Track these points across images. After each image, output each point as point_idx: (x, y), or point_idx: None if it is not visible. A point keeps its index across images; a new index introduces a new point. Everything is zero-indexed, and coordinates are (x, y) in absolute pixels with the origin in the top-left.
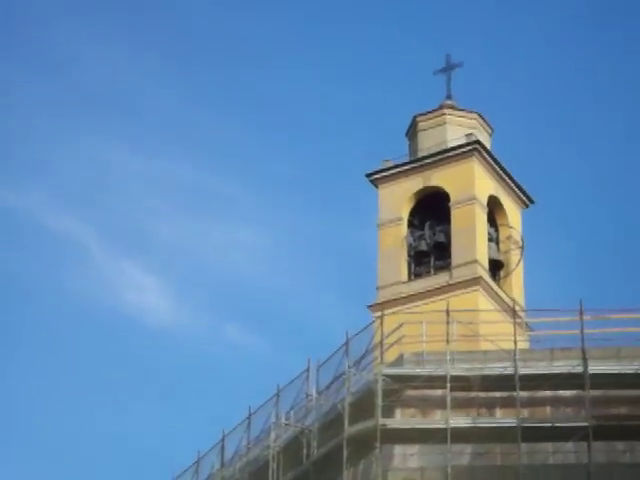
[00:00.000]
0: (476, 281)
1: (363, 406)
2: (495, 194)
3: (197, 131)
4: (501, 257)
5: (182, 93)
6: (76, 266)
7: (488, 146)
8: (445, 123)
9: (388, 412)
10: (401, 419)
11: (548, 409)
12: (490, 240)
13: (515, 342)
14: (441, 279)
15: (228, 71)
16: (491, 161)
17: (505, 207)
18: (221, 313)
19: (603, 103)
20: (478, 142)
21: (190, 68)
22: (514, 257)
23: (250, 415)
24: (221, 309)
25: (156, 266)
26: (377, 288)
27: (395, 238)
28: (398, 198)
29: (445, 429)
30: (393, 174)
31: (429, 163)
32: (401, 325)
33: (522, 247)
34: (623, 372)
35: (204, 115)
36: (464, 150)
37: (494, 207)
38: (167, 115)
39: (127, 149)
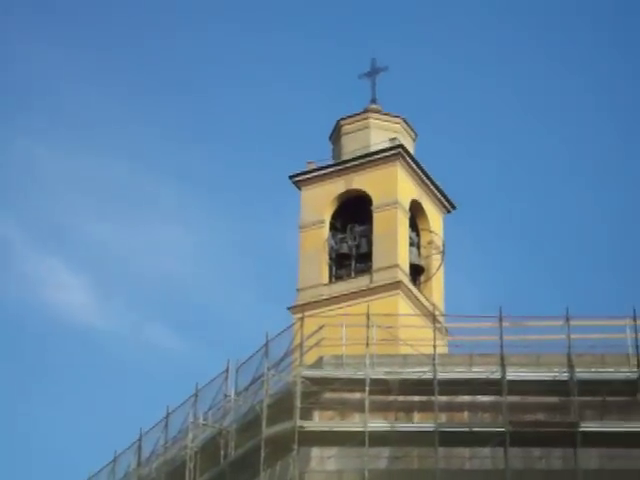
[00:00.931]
0: (396, 285)
1: (281, 408)
2: (417, 199)
3: (120, 129)
4: (422, 262)
5: (105, 91)
6: None
7: (412, 151)
8: (369, 127)
9: (306, 414)
10: (319, 421)
11: (466, 414)
12: (411, 245)
13: (434, 347)
14: (362, 282)
15: (153, 68)
16: (414, 166)
17: (427, 212)
18: (143, 313)
19: (526, 107)
20: (402, 146)
21: (113, 65)
22: (435, 262)
23: (168, 415)
24: (143, 309)
25: (79, 264)
26: (298, 290)
27: (317, 240)
28: (320, 201)
29: (363, 432)
30: (316, 176)
31: (352, 166)
32: (321, 327)
33: (443, 252)
34: (541, 379)
35: (127, 114)
36: (387, 154)
37: (416, 212)
38: (91, 113)
39: (50, 146)
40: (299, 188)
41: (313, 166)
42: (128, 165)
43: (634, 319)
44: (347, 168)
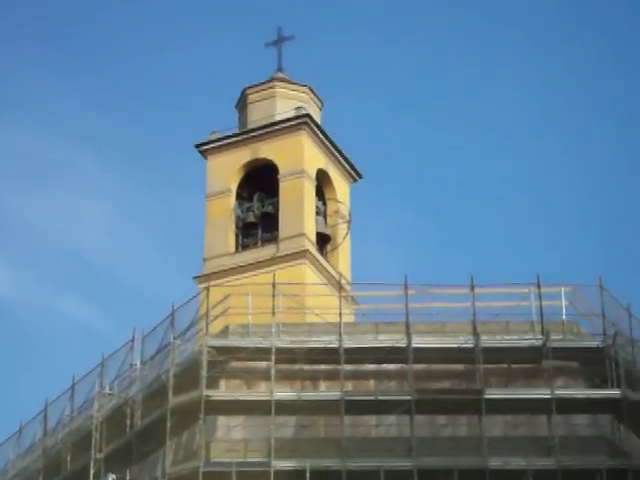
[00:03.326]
0: (303, 254)
1: (188, 377)
2: (324, 168)
3: (37, 97)
4: (328, 231)
5: (23, 59)
6: None
7: (318, 120)
8: (275, 96)
9: (212, 383)
10: (225, 391)
11: (372, 382)
12: (318, 214)
13: (340, 315)
14: (268, 251)
15: (70, 36)
16: (320, 135)
17: (333, 181)
18: (53, 283)
19: (434, 75)
20: (307, 115)
21: (29, 30)
22: (341, 231)
23: (74, 384)
24: (53, 279)
25: None
26: (204, 259)
27: (223, 210)
28: (226, 170)
29: (269, 401)
30: (222, 145)
31: (258, 135)
32: (227, 297)
33: (349, 221)
34: (446, 347)
35: (44, 81)
36: (293, 123)
37: (323, 181)
38: (6, 81)
39: None
40: (205, 157)
41: (218, 135)
42: (35, 133)
43: (538, 286)
44: (253, 137)
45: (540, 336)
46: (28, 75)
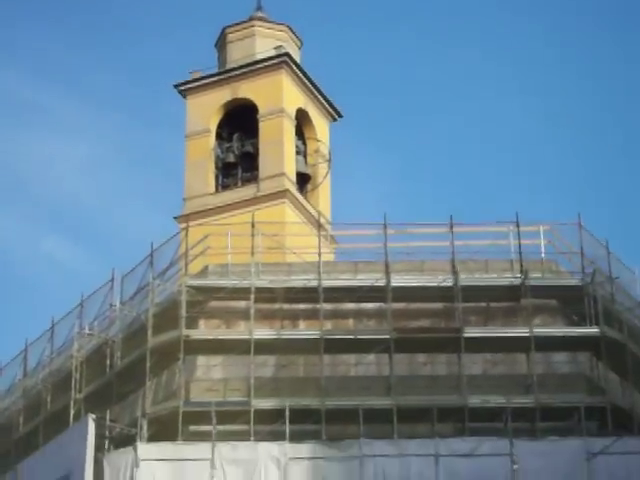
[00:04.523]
0: (283, 194)
1: (167, 317)
2: (303, 107)
3: (17, 41)
4: (308, 170)
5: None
6: None
7: (297, 59)
8: (254, 35)
9: (192, 323)
10: (205, 330)
11: (351, 321)
12: (298, 153)
13: (319, 255)
14: (248, 191)
15: None
16: (300, 74)
17: (313, 120)
18: (37, 226)
19: (415, 13)
20: (287, 54)
21: None
22: (321, 171)
23: (53, 325)
24: (37, 222)
25: None
26: (184, 199)
27: (203, 150)
28: (206, 109)
29: (249, 340)
30: (201, 85)
31: (237, 75)
32: (206, 236)
33: (329, 160)
34: (425, 285)
35: (25, 24)
36: (272, 62)
37: (302, 120)
38: None
39: None
40: (185, 97)
41: (197, 75)
42: (17, 74)
43: (517, 225)
44: (232, 77)
45: (519, 274)
46: (4, 18)
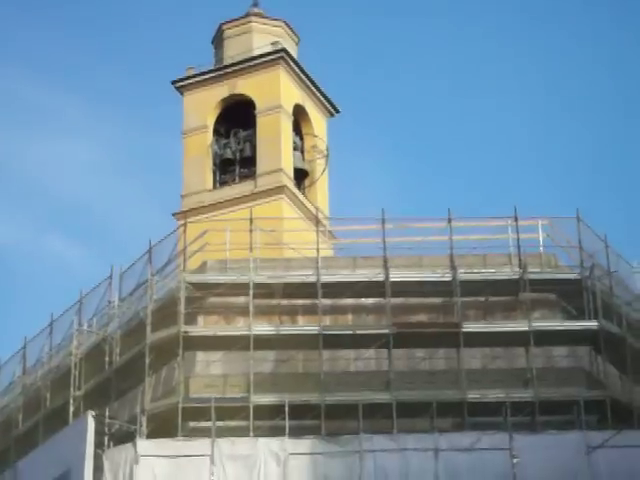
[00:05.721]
0: (280, 190)
1: (166, 313)
2: (301, 103)
3: (19, 43)
4: (306, 166)
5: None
6: None
7: (294, 55)
8: (251, 31)
9: (191, 319)
10: (204, 326)
11: (350, 316)
12: (295, 149)
13: (318, 250)
14: (246, 187)
15: None
16: (297, 70)
17: (310, 116)
18: (41, 225)
19: (417, 9)
20: (284, 50)
21: None
22: (319, 166)
23: (52, 322)
24: (38, 219)
25: None
26: (182, 196)
27: (200, 146)
28: (203, 106)
29: (248, 336)
30: (198, 82)
31: (235, 71)
32: (204, 233)
33: (327, 156)
34: (424, 280)
35: (25, 26)
36: (270, 58)
37: (300, 116)
38: None
39: None
40: (182, 94)
41: (194, 72)
42: (15, 74)
43: (515, 219)
44: (229, 73)
45: (517, 269)
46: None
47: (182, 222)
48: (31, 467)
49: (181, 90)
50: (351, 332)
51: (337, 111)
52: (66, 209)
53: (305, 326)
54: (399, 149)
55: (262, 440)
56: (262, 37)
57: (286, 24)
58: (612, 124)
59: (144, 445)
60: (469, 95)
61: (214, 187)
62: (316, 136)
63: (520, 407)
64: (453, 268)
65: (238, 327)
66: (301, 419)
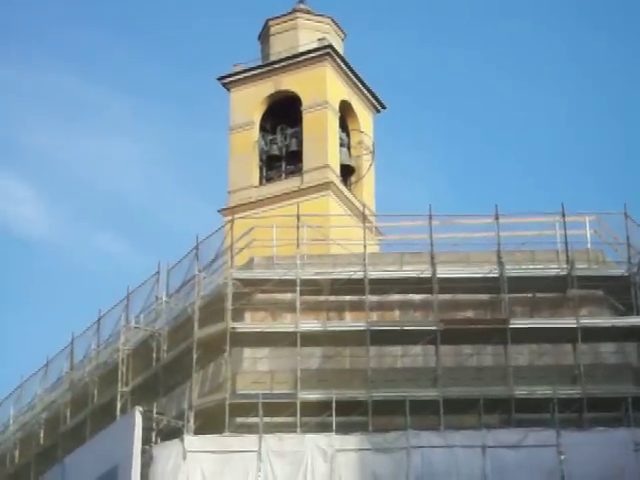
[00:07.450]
0: (327, 186)
1: (213, 309)
2: (347, 99)
3: (68, 40)
4: (352, 162)
5: (53, 2)
6: None
7: (341, 51)
8: (297, 27)
9: (238, 315)
10: (251, 322)
11: (397, 313)
12: (342, 145)
13: (365, 246)
14: (292, 184)
15: None
16: (343, 66)
17: (357, 112)
18: (88, 221)
19: (462, 7)
20: (330, 46)
21: None
22: (365, 162)
23: (100, 318)
24: (89, 217)
25: (29, 177)
26: (228, 192)
27: (247, 142)
28: (250, 102)
29: (295, 332)
30: (245, 78)
31: (281, 67)
32: (251, 229)
33: (373, 152)
34: (471, 276)
35: (74, 24)
36: (316, 54)
37: (346, 112)
38: (37, 24)
39: None
40: (228, 90)
41: (240, 68)
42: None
43: (563, 216)
44: (276, 69)
45: (565, 265)
46: (52, 18)
47: (229, 218)
48: (78, 463)
49: (228, 86)
50: (398, 328)
51: (383, 107)
52: (113, 205)
53: (352, 322)
54: (447, 145)
55: (309, 436)
56: (308, 33)
57: (332, 20)
58: None
59: (191, 441)
60: (515, 92)
61: (260, 183)
62: (362, 132)
63: (567, 404)
64: (500, 264)
65: (285, 323)
66: (348, 415)
